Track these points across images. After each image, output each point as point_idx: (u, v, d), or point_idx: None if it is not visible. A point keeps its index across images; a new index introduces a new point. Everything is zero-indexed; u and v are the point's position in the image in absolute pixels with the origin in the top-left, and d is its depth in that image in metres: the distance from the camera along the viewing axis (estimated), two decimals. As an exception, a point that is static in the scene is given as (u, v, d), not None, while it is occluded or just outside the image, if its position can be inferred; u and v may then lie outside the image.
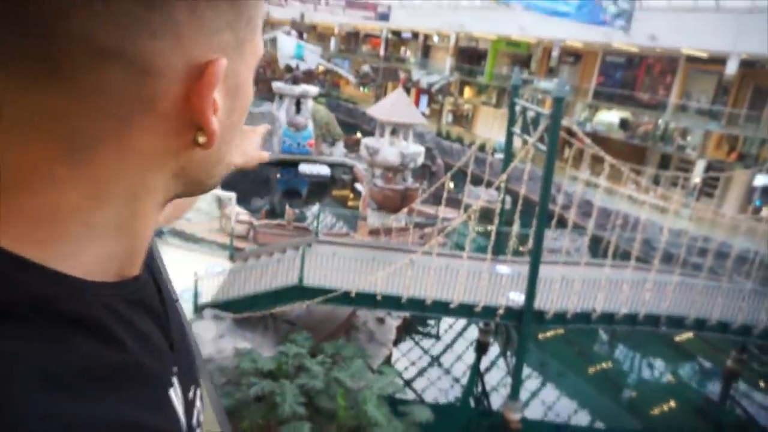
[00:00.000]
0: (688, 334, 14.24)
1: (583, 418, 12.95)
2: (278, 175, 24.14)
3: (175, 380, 0.53)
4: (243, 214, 15.44)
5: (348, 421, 8.76)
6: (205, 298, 11.51)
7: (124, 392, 0.43)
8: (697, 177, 22.09)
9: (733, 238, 15.48)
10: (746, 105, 23.14)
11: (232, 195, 14.36)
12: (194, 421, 0.58)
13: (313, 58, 29.77)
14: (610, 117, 28.45)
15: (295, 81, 24.45)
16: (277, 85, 24.45)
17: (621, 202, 18.35)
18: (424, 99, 37.63)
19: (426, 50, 41.09)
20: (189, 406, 0.56)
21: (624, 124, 27.75)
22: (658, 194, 17.22)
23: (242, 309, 11.38)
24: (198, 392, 0.61)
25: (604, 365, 15.27)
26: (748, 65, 22.48)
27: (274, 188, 23.87)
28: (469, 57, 36.74)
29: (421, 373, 13.63)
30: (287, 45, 29.86)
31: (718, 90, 23.97)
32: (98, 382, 0.41)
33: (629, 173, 13.57)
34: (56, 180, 0.43)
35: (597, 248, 14.26)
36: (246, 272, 12.20)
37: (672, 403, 13.73)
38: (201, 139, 0.46)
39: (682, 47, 23.69)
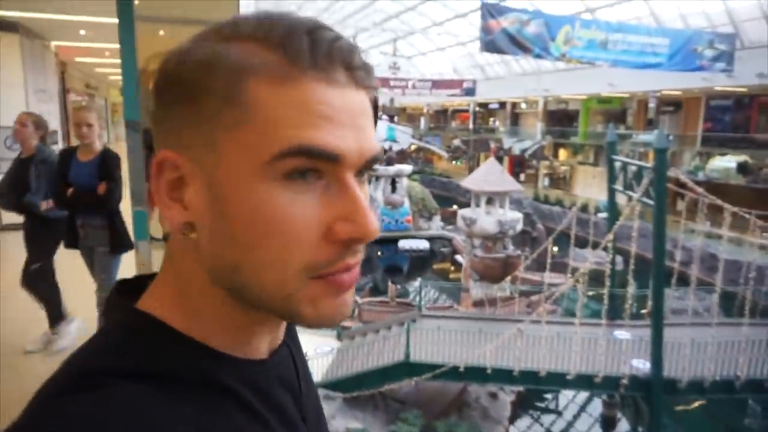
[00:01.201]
0: None
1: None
2: (379, 253, 24.75)
3: None
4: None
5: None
6: (316, 378, 11.77)
7: None
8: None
9: None
10: None
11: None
12: None
13: (404, 138, 31.10)
14: (725, 162, 26.39)
15: (389, 162, 25.57)
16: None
17: (752, 253, 16.59)
18: (517, 166, 37.42)
19: (515, 118, 41.35)
20: None
21: (743, 168, 25.56)
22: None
23: (351, 388, 11.44)
24: None
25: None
26: None
27: (376, 266, 24.40)
28: (560, 119, 36.39)
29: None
30: (379, 129, 31.60)
31: None
32: None
33: (755, 220, 12.39)
34: (177, 260, 0.54)
35: (729, 306, 12.86)
36: (353, 351, 12.37)
37: None
38: (190, 234, 0.49)
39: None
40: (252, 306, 0.50)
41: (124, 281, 0.57)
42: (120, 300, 0.54)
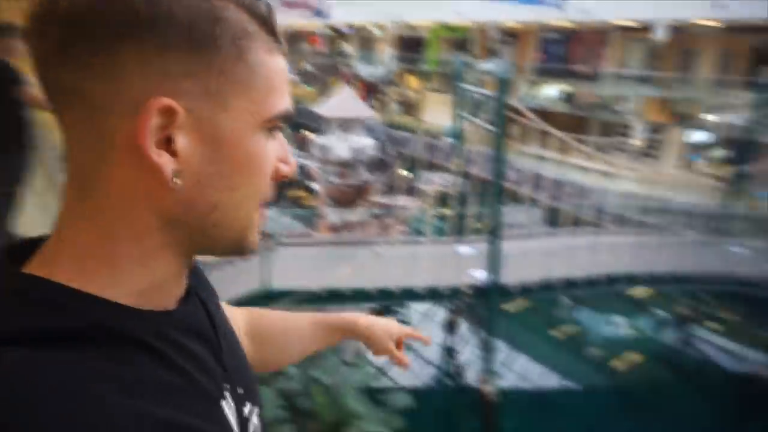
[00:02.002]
0: (644, 289, 14.93)
1: (554, 382, 13.48)
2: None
3: (227, 395, 0.60)
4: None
5: (330, 418, 8.87)
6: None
7: (181, 402, 0.51)
8: (637, 140, 23.05)
9: (676, 194, 16.31)
10: (676, 68, 24.25)
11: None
12: None
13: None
14: (551, 91, 29.27)
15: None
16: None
17: (570, 173, 19.03)
18: (369, 93, 37.73)
19: (366, 43, 41.14)
20: (243, 421, 0.63)
21: (566, 96, 28.62)
22: (604, 161, 17.94)
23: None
24: (255, 410, 0.67)
25: (568, 328, 15.88)
26: (674, 31, 23.54)
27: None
28: (410, 46, 37.01)
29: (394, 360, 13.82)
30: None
31: (649, 56, 25.01)
32: (160, 393, 0.50)
33: (575, 143, 14.12)
34: (76, 218, 0.51)
35: (552, 218, 14.78)
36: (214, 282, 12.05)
37: (634, 355, 14.45)
38: (176, 180, 0.49)
39: (614, 18, 24.61)
40: (198, 247, 0.56)
41: (11, 246, 0.55)
42: (7, 265, 0.52)
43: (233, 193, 0.53)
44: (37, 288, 0.48)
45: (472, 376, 13.22)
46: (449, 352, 14.07)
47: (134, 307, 0.51)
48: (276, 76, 0.54)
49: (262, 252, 12.01)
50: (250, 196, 0.55)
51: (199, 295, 0.64)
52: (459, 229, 14.45)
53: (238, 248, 0.58)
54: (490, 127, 12.24)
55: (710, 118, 20.95)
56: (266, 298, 11.19)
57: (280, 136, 0.58)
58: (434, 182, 14.41)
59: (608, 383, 13.70)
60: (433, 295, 12.13)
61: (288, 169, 0.59)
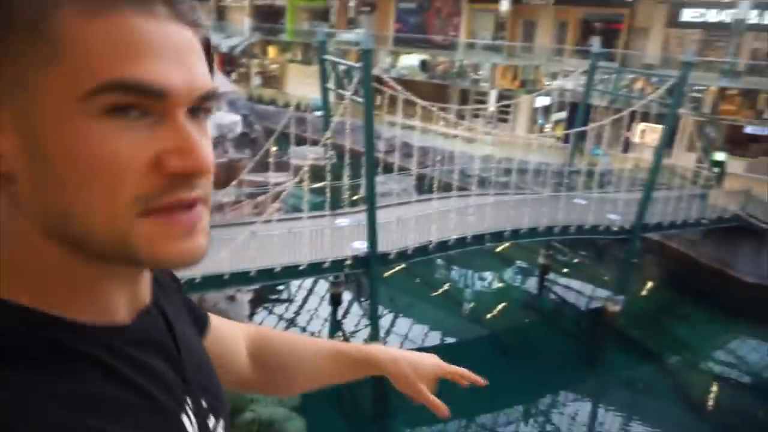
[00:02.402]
0: (507, 244, 16.32)
1: (436, 338, 14.37)
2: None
3: (188, 408, 0.57)
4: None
5: (231, 404, 8.61)
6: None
7: (129, 418, 0.48)
8: (492, 106, 24.76)
9: (529, 155, 17.89)
10: (520, 38, 26.27)
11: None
12: None
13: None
14: (411, 61, 30.17)
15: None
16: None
17: (436, 140, 19.94)
18: (228, 65, 35.85)
19: (221, 12, 38.83)
20: None
21: (424, 65, 29.68)
22: (464, 127, 19.03)
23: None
24: (221, 422, 0.65)
25: (443, 287, 16.94)
26: (516, 2, 25.36)
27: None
28: (267, 15, 35.64)
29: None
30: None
31: (496, 26, 26.75)
32: (105, 408, 0.47)
33: (437, 112, 14.75)
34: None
35: (422, 185, 15.44)
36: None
37: (503, 304, 15.88)
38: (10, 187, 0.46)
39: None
40: (93, 256, 0.48)
41: None
42: None
43: (78, 196, 0.44)
44: None
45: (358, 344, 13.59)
46: (336, 324, 14.29)
47: (83, 323, 0.49)
48: (98, 41, 0.43)
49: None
50: (99, 199, 0.45)
51: (161, 307, 0.61)
52: (335, 202, 14.52)
53: (131, 262, 0.48)
54: (358, 99, 12.33)
55: (550, 84, 23.12)
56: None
57: (175, 119, 0.47)
58: (306, 156, 14.23)
59: (483, 333, 14.93)
60: (315, 270, 12.14)
61: (183, 162, 0.47)
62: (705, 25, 21.71)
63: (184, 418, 0.56)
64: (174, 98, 0.46)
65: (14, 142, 0.44)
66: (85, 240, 0.46)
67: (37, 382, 0.43)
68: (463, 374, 1.06)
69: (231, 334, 0.88)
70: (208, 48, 0.52)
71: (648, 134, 21.19)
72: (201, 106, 0.50)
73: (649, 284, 17.70)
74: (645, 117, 18.70)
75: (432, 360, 1.04)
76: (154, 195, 0.46)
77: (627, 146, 21.71)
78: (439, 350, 13.89)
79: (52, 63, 0.43)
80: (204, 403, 0.62)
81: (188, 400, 0.58)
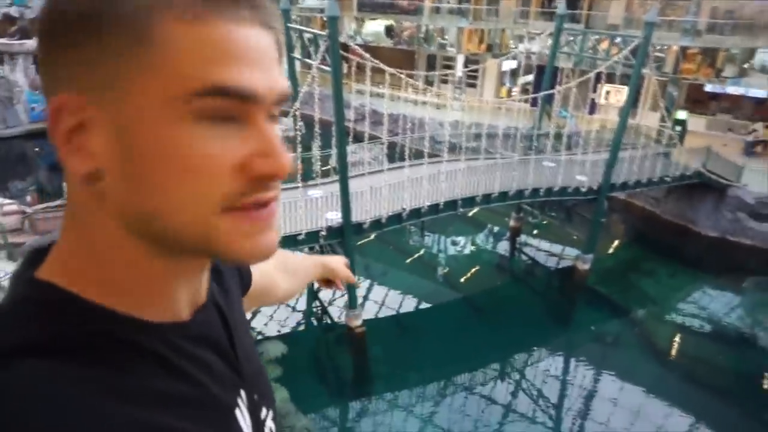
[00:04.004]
0: (478, 209, 16.55)
1: (412, 304, 14.61)
2: (37, 149, 20.70)
3: (240, 402, 0.60)
4: (8, 204, 13.13)
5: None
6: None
7: (188, 411, 0.50)
8: (459, 71, 24.67)
9: (497, 120, 17.98)
10: (485, 1, 26.05)
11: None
12: None
13: (40, 2, 25.03)
14: (376, 27, 29.66)
15: (25, 34, 20.51)
16: (3, 42, 20.28)
17: (405, 107, 19.82)
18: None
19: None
20: (259, 425, 0.64)
21: (389, 31, 29.24)
22: (433, 93, 18.96)
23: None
24: (270, 413, 0.69)
25: (418, 254, 17.14)
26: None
27: (36, 165, 20.50)
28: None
29: (259, 311, 13.79)
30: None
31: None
32: (166, 402, 0.49)
33: (405, 78, 14.62)
34: (67, 220, 0.52)
35: (393, 153, 15.42)
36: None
37: (477, 268, 16.20)
38: (95, 183, 0.47)
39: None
40: (173, 252, 0.50)
41: (38, 249, 0.53)
42: (24, 270, 0.51)
43: (168, 196, 0.46)
44: (47, 296, 0.48)
45: (338, 313, 13.72)
46: (313, 294, 14.36)
47: (143, 319, 0.51)
48: (192, 47, 0.44)
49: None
50: (189, 200, 0.46)
51: (217, 302, 0.63)
52: (307, 174, 14.39)
53: (208, 253, 0.50)
54: (325, 68, 12.12)
55: (516, 47, 23.10)
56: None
57: (258, 123, 0.48)
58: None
59: (458, 297, 15.24)
60: (290, 242, 12.10)
61: (267, 166, 0.48)
62: (666, -16, 21.91)
63: (238, 413, 0.59)
64: (260, 102, 0.47)
65: (106, 141, 0.45)
66: (167, 236, 0.47)
67: (105, 379, 0.44)
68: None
69: (265, 269, 0.94)
70: (280, 49, 0.53)
71: (613, 95, 21.52)
72: (278, 107, 0.51)
73: (616, 242, 18.28)
74: (610, 78, 18.93)
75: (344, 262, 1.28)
76: (237, 196, 0.48)
77: (593, 108, 22.02)
78: (416, 315, 14.19)
79: (151, 67, 0.44)
80: (255, 396, 0.64)
81: (242, 394, 0.61)
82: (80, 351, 0.45)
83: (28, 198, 14.98)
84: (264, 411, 0.67)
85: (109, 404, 0.43)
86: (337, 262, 1.26)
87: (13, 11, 24.32)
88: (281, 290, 1.05)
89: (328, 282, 1.27)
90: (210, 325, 0.60)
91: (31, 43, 20.14)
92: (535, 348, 13.65)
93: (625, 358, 13.22)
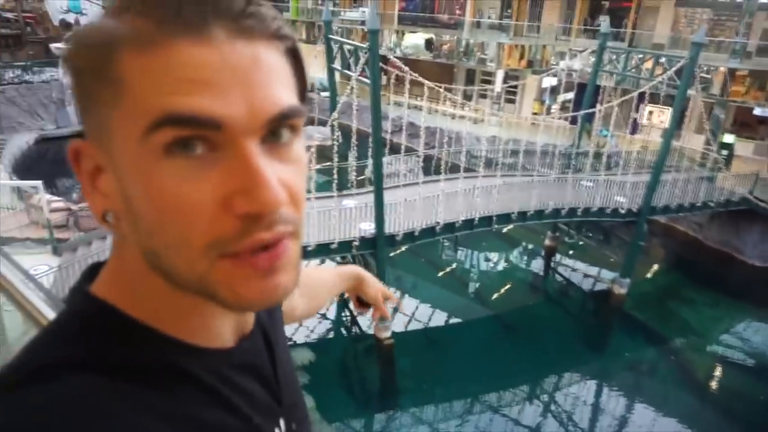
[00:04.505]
0: (513, 226, 16.33)
1: (442, 318, 14.46)
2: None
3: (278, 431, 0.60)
4: (56, 201, 13.62)
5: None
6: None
7: None
8: (498, 87, 24.51)
9: (535, 136, 17.76)
10: (527, 17, 25.90)
11: (37, 183, 12.51)
12: None
13: (95, 9, 26.07)
14: (416, 40, 29.81)
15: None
16: (58, 47, 21.19)
17: (443, 120, 19.79)
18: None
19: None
20: None
21: (429, 45, 29.34)
22: (471, 108, 18.88)
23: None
24: None
25: (449, 268, 16.99)
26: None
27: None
28: (271, -8, 35.15)
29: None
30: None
31: (503, 5, 26.37)
32: (203, 430, 0.49)
33: (444, 92, 14.61)
34: (116, 244, 0.53)
35: (429, 166, 15.38)
36: (80, 264, 10.96)
37: (509, 285, 15.94)
38: (108, 219, 0.49)
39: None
40: (193, 293, 0.48)
41: (95, 265, 0.55)
42: (82, 284, 0.53)
43: (157, 237, 0.44)
44: (100, 312, 0.49)
45: (366, 324, 13.69)
46: (343, 304, 14.38)
47: (192, 344, 0.51)
48: (149, 77, 0.41)
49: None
50: (178, 243, 0.44)
51: (264, 325, 0.63)
52: (342, 183, 14.49)
53: (216, 302, 0.47)
54: (364, 79, 12.21)
55: (558, 64, 22.84)
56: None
57: (241, 153, 0.43)
58: (312, 137, 14.17)
59: (489, 314, 15.01)
60: (323, 250, 12.17)
61: (247, 204, 0.43)
62: (715, 5, 21.36)
63: None
64: (235, 128, 0.43)
65: (112, 183, 0.47)
66: (173, 277, 0.47)
67: (150, 399, 0.45)
68: (392, 296, 1.24)
69: None
70: (295, 55, 0.48)
71: (656, 116, 21.01)
72: (280, 127, 0.46)
73: (656, 267, 17.72)
74: (654, 98, 18.52)
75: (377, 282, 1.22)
76: (231, 238, 0.44)
77: (635, 128, 21.54)
78: (445, 330, 14.03)
79: (117, 104, 0.43)
80: (294, 426, 0.64)
81: (281, 423, 0.60)
82: (127, 370, 0.45)
83: (74, 195, 15.50)
84: None
85: (153, 425, 0.43)
86: (371, 277, 1.20)
87: (69, 17, 25.46)
88: (298, 311, 1.02)
89: (363, 304, 1.19)
90: (255, 353, 0.59)
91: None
92: (567, 371, 13.29)
93: (660, 388, 12.73)
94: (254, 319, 0.61)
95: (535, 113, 23.88)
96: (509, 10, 25.90)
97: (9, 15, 30.39)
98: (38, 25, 29.08)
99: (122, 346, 0.47)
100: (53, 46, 21.47)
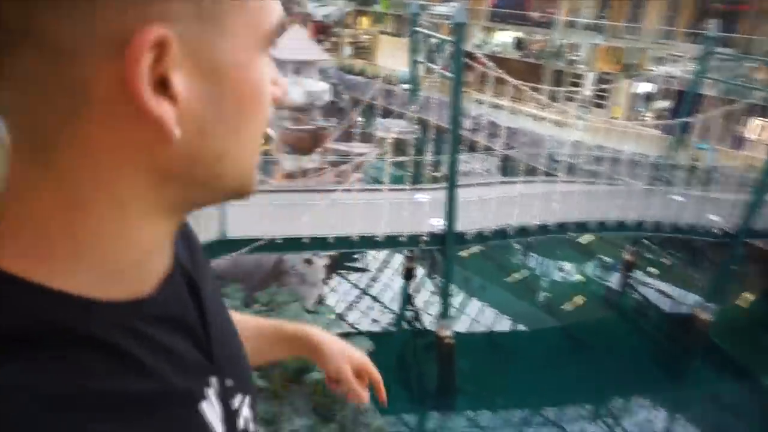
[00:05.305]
0: (591, 236, 15.59)
1: (507, 324, 14.07)
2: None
3: (210, 392, 0.52)
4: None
5: (292, 364, 8.90)
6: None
7: (142, 416, 0.42)
8: (588, 90, 23.44)
9: (624, 144, 16.82)
10: (626, 18, 24.53)
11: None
12: (240, 429, 0.58)
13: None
14: (504, 38, 29.10)
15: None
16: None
17: (524, 121, 19.21)
18: (321, 34, 36.33)
19: (317, -20, 39.20)
20: (231, 414, 0.56)
21: (518, 43, 28.55)
22: (555, 110, 18.18)
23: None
24: (247, 399, 0.61)
25: (520, 274, 16.48)
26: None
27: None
28: (363, -15, 35.57)
29: (354, 306, 14.01)
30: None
31: (601, 4, 25.12)
32: (113, 404, 0.40)
33: (529, 92, 14.15)
34: (29, 186, 0.39)
35: (507, 167, 14.98)
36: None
37: (581, 298, 15.23)
38: (176, 132, 0.40)
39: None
40: (196, 203, 0.48)
41: None
42: None
43: (240, 136, 0.45)
44: None
45: (429, 321, 13.58)
46: (407, 298, 14.35)
47: (96, 299, 0.41)
48: None
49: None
50: (256, 133, 0.47)
51: (187, 270, 0.55)
52: (416, 177, 14.43)
53: (239, 194, 0.50)
54: (447, 74, 12.03)
55: (656, 69, 21.48)
56: (224, 245, 10.93)
57: (269, 52, 0.48)
58: (391, 129, 14.18)
59: (557, 325, 14.43)
60: (391, 242, 12.17)
61: (280, 92, 0.49)
62: None
63: (205, 404, 0.51)
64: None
65: (190, 81, 0.40)
66: (220, 180, 0.46)
67: (31, 377, 0.36)
68: (371, 371, 1.02)
69: None
70: None
71: (766, 131, 19.25)
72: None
73: (748, 295, 16.28)
74: (765, 111, 16.96)
75: (356, 351, 1.02)
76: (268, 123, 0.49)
77: (740, 142, 19.84)
78: (510, 336, 13.64)
79: (242, 6, 0.42)
80: (229, 382, 0.57)
81: (212, 381, 0.53)
82: (16, 343, 0.37)
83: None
84: (239, 398, 0.59)
85: (33, 411, 0.35)
86: (334, 345, 0.99)
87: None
88: None
89: (336, 382, 0.99)
90: (176, 301, 0.51)
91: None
92: (637, 395, 12.51)
93: (741, 429, 11.69)
94: (173, 261, 0.52)
95: (614, 117, 22.54)
96: (607, 10, 24.63)
97: None
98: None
99: (3, 315, 0.38)
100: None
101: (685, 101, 15.57)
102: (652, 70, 21.92)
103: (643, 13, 23.99)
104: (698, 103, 16.51)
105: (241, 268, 12.28)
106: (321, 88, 17.74)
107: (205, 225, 11.25)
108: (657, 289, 16.12)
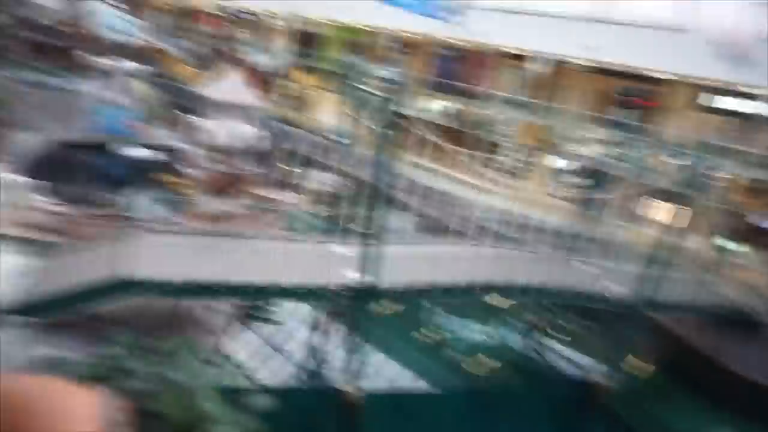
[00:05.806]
0: (499, 297, 15.93)
1: (414, 384, 13.89)
2: (94, 160, 21.68)
3: None
4: (55, 204, 13.67)
5: (181, 421, 8.24)
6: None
7: None
8: (510, 160, 24.67)
9: (538, 213, 17.68)
10: (547, 99, 26.39)
11: (26, 180, 12.44)
12: None
13: (134, 31, 27.24)
14: (435, 105, 30.48)
15: (117, 55, 22.23)
16: (97, 61, 22.05)
17: (442, 182, 19.85)
18: (260, 83, 36.60)
19: (263, 32, 39.90)
20: None
21: (450, 112, 29.93)
22: (478, 175, 18.94)
23: (52, 311, 10.09)
24: None
25: (431, 334, 16.49)
26: (558, 63, 25.63)
27: (90, 174, 21.43)
28: (307, 41, 36.51)
29: (256, 357, 13.41)
30: (108, 16, 26.90)
31: (526, 84, 26.96)
32: None
33: (459, 157, 14.72)
34: None
35: (423, 225, 15.28)
36: (62, 269, 10.81)
37: (491, 361, 15.38)
38: None
39: (505, 45, 26.38)
40: None
41: None
42: None
43: None
44: None
45: (336, 376, 13.18)
46: (313, 352, 13.92)
47: None
48: None
49: (120, 237, 11.01)
50: None
51: None
52: (339, 230, 14.40)
53: None
54: (378, 130, 12.33)
55: (572, 147, 23.07)
56: (126, 286, 10.25)
57: None
58: (317, 180, 14.23)
59: (465, 387, 14.41)
60: (303, 293, 11.91)
61: None
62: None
63: None
64: None
65: None
66: None
67: None
68: None
69: None
70: None
71: (661, 211, 20.87)
72: None
73: (647, 365, 17.06)
74: (664, 194, 18.44)
75: None
76: None
77: (641, 220, 21.36)
78: (419, 397, 13.43)
79: None
80: None
81: None
82: None
83: (74, 204, 15.51)
84: None
85: None
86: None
87: (118, 37, 26.56)
88: None
89: None
90: None
91: (124, 65, 21.72)
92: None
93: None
94: None
95: (533, 189, 23.82)
96: (533, 90, 26.44)
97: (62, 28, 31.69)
98: (77, 37, 30.42)
99: None
100: (93, 59, 22.28)
101: (596, 179, 16.73)
102: (568, 148, 23.51)
103: (563, 96, 25.96)
104: (609, 181, 17.78)
105: (132, 311, 11.51)
106: (247, 131, 17.65)
107: (105, 265, 10.55)
108: (561, 355, 16.59)
